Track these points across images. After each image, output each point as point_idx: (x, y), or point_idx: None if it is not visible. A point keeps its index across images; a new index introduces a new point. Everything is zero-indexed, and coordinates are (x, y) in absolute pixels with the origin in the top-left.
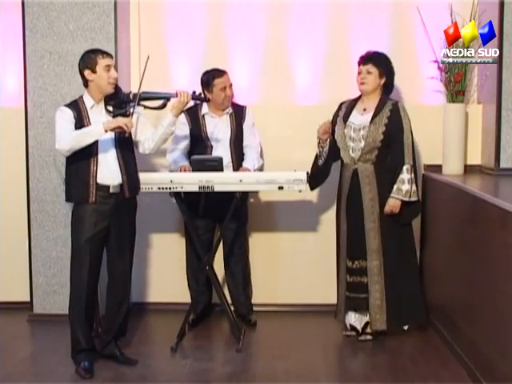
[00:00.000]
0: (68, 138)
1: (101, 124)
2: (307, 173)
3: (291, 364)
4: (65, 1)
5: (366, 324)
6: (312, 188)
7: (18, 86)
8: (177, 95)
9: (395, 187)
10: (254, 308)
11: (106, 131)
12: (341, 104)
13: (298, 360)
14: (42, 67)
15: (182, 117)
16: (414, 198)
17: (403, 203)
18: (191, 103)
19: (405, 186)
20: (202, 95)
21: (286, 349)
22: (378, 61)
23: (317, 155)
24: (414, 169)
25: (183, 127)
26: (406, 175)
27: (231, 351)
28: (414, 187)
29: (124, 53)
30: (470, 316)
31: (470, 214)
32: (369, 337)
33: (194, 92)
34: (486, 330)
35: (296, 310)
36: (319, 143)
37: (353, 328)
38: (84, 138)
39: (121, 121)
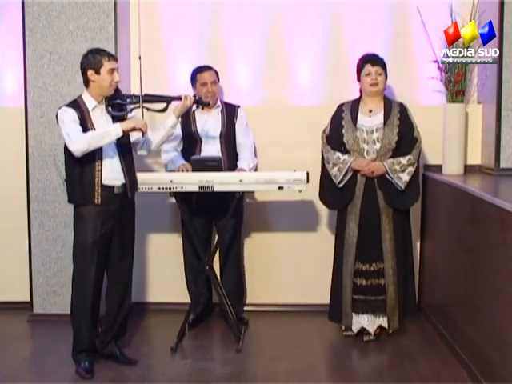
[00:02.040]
0: (84, 138)
1: (118, 124)
2: (307, 173)
3: (291, 364)
4: (65, 1)
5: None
6: (338, 207)
7: (18, 86)
8: (180, 98)
9: (394, 161)
10: (254, 308)
11: (123, 132)
12: (340, 106)
13: (298, 360)
14: (42, 67)
15: None
16: (401, 185)
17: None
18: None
19: (404, 175)
20: (203, 100)
21: (286, 349)
22: (384, 63)
23: (327, 179)
24: (417, 166)
25: None
26: (404, 161)
27: (231, 351)
28: (408, 177)
29: (124, 53)
30: (469, 316)
31: (470, 213)
32: (372, 337)
33: (194, 95)
34: (486, 329)
35: (296, 310)
36: (347, 172)
37: (364, 331)
38: (102, 138)
39: (139, 123)
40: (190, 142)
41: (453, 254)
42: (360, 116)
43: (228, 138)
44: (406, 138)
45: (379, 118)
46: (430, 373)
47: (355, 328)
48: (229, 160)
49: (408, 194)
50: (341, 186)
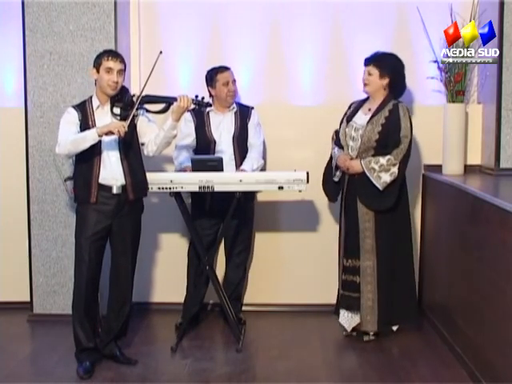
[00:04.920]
0: (66, 143)
1: (95, 129)
2: (307, 173)
3: (291, 364)
4: (65, 1)
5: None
6: (334, 200)
7: (18, 86)
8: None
9: (372, 160)
10: (254, 308)
11: (99, 136)
12: (351, 104)
13: (298, 360)
14: (42, 67)
15: (188, 114)
16: (379, 185)
17: (377, 190)
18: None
19: (385, 176)
20: (205, 100)
21: (286, 349)
22: (380, 62)
23: (328, 169)
24: (400, 168)
25: (189, 124)
26: (383, 161)
27: (231, 351)
28: (388, 178)
29: (124, 53)
30: (470, 316)
31: (470, 213)
32: (372, 337)
33: (196, 96)
34: (486, 329)
35: (296, 310)
36: (337, 166)
37: (342, 326)
38: (79, 143)
39: (112, 126)
40: (204, 143)
41: (453, 254)
42: (358, 114)
43: (241, 139)
44: (390, 138)
45: (370, 116)
46: (430, 373)
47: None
48: (241, 161)
49: (383, 196)
50: (336, 180)
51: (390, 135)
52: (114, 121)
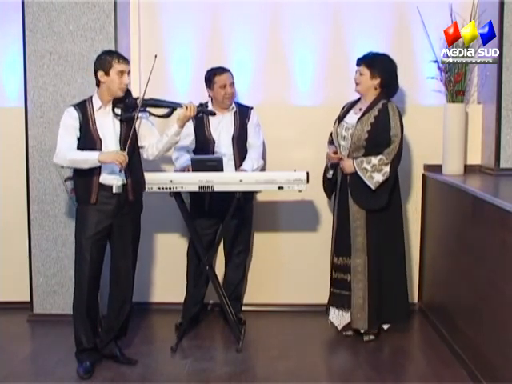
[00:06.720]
0: (66, 158)
1: (96, 155)
2: (307, 173)
3: (291, 364)
4: (65, 1)
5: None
6: (329, 197)
7: (18, 86)
8: (186, 107)
9: (364, 160)
10: (254, 308)
11: (100, 163)
12: (344, 106)
13: (298, 360)
14: (42, 67)
15: None
16: (371, 185)
17: (370, 189)
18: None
19: (378, 175)
20: (209, 108)
21: (285, 349)
22: (371, 62)
23: (326, 167)
24: (391, 168)
25: (188, 124)
26: (375, 161)
27: (231, 351)
28: (381, 178)
29: (124, 53)
30: (469, 316)
31: (470, 213)
32: (372, 337)
33: (201, 104)
34: (486, 329)
35: (296, 310)
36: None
37: (333, 324)
38: (79, 163)
39: (116, 158)
40: (203, 143)
41: (453, 254)
42: (350, 114)
43: (240, 140)
44: (380, 137)
45: (360, 115)
46: (430, 373)
47: (329, 321)
48: (241, 160)
49: (375, 196)
50: (329, 177)
51: (380, 134)
52: (115, 121)
